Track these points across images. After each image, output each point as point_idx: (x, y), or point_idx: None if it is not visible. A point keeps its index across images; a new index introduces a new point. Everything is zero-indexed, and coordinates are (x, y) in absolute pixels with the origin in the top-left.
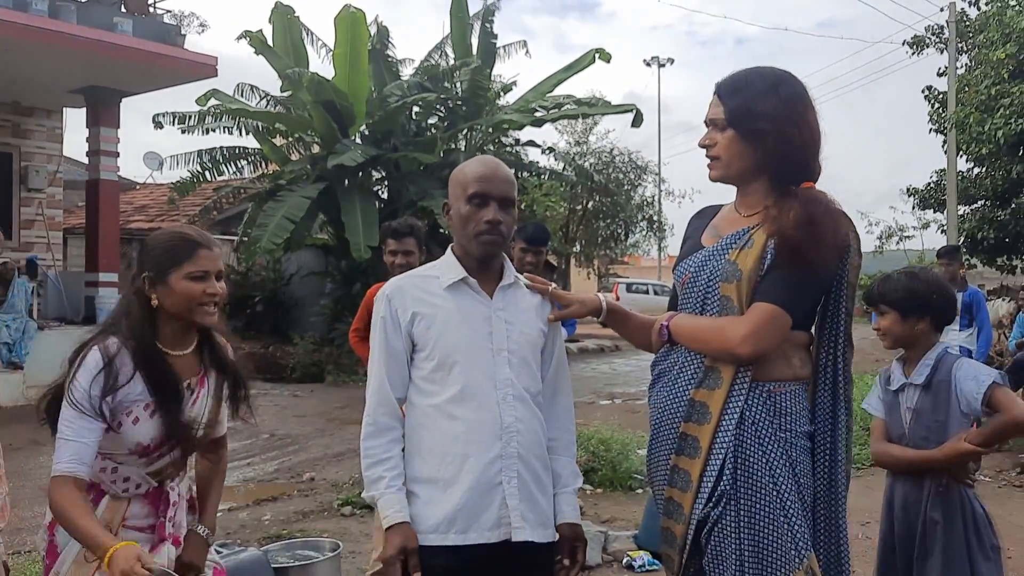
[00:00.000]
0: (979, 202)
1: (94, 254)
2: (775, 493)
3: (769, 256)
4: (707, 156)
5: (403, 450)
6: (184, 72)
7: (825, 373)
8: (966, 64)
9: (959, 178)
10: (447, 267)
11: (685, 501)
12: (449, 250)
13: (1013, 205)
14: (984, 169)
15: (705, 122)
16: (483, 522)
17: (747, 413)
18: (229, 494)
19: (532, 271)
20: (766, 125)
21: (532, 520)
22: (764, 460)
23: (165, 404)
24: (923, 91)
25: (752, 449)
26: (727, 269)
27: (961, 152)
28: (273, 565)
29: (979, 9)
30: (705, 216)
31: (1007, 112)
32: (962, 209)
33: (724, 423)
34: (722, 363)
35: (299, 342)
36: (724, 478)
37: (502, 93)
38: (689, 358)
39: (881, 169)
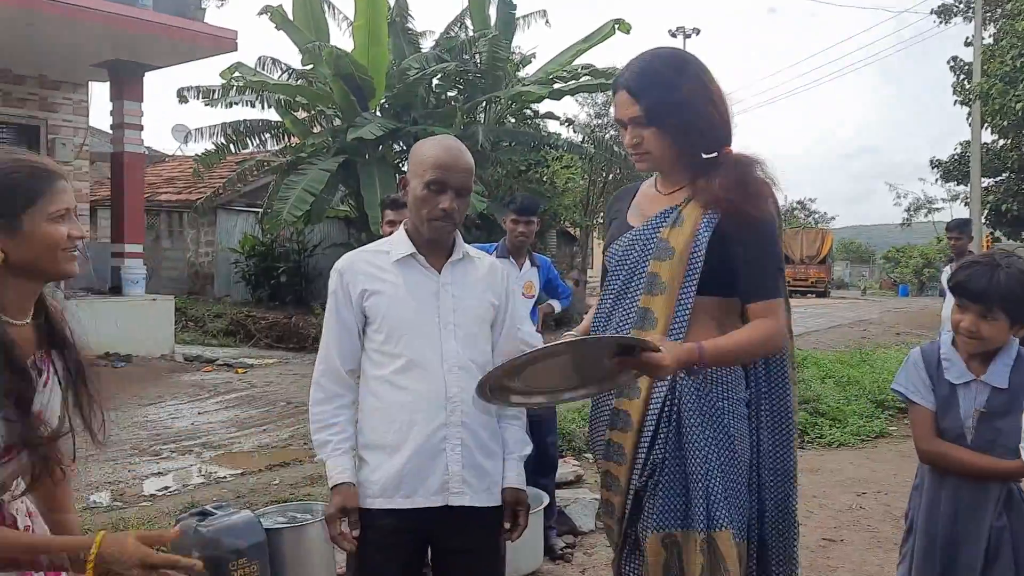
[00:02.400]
0: (1003, 174)
1: (119, 225)
2: (702, 462)
3: (702, 231)
4: (635, 153)
5: (354, 417)
6: (204, 46)
7: None
8: (993, 34)
9: (984, 150)
10: (398, 242)
11: (621, 473)
12: (401, 225)
13: None
14: (1009, 141)
15: (618, 121)
16: (428, 487)
17: (679, 385)
18: (243, 459)
19: (524, 241)
20: (687, 114)
21: (475, 485)
22: (695, 430)
23: (12, 389)
24: (948, 62)
25: (685, 420)
26: (659, 247)
27: (986, 124)
28: (265, 526)
29: None
30: (624, 198)
31: None
32: (986, 181)
33: (654, 396)
34: (647, 337)
35: (320, 312)
36: (656, 448)
37: (521, 65)
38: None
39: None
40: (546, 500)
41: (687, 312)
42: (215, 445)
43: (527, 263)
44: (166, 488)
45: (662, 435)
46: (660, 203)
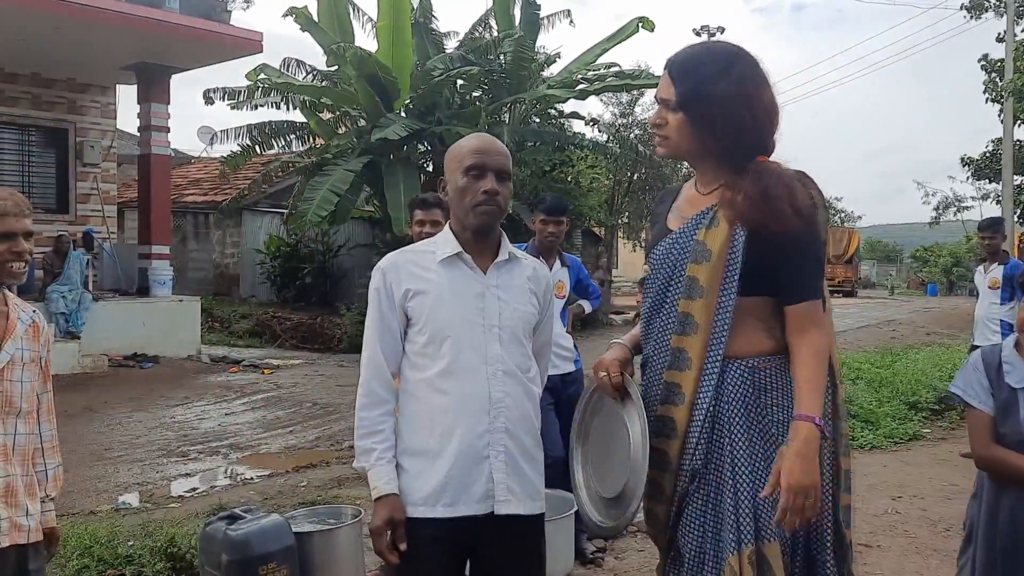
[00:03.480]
0: None
1: (147, 227)
2: (748, 472)
3: (739, 231)
4: (656, 135)
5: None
6: (230, 48)
7: None
8: None
9: (1016, 147)
10: (443, 242)
11: (665, 482)
12: (447, 226)
13: None
14: None
15: (656, 99)
16: (471, 494)
17: (727, 391)
18: (271, 460)
19: (554, 241)
20: (716, 110)
21: (519, 493)
22: (740, 440)
23: None
24: (979, 60)
25: (725, 429)
26: (696, 250)
27: (1018, 121)
28: (295, 530)
29: None
30: (666, 200)
31: None
32: (1018, 179)
33: (699, 403)
34: (688, 343)
35: (346, 313)
36: (696, 457)
37: (546, 64)
38: (661, 341)
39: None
40: (576, 506)
41: (728, 315)
42: (242, 446)
43: (557, 263)
44: (194, 489)
45: (703, 444)
46: (698, 204)
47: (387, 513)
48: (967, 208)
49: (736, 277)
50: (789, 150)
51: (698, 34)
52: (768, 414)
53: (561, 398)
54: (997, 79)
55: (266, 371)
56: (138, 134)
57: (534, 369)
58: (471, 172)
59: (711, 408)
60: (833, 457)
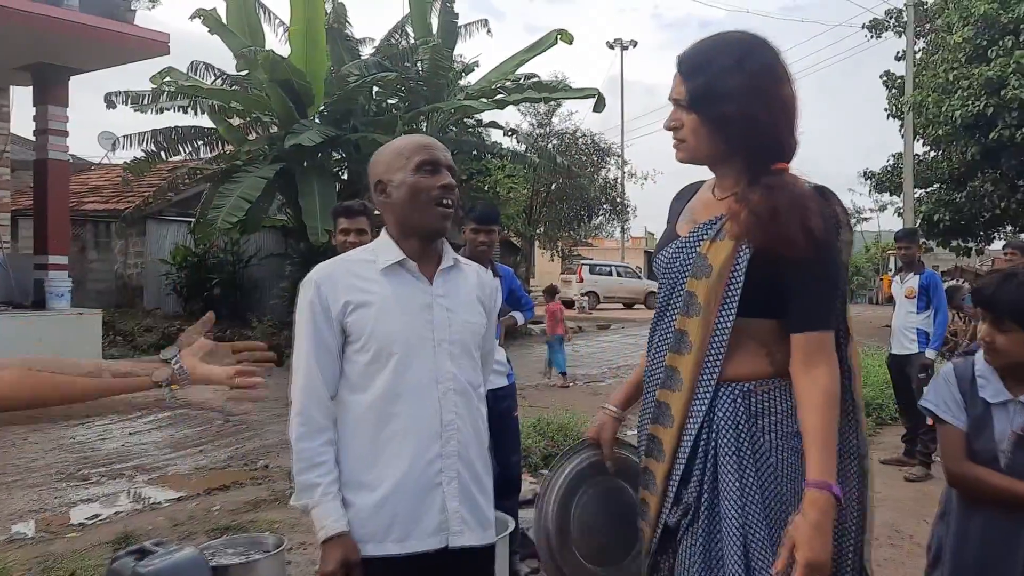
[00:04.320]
0: (935, 185)
1: (43, 236)
2: (737, 509)
3: (745, 248)
4: (673, 138)
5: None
6: (134, 49)
7: None
8: (923, 48)
9: (916, 161)
10: (383, 249)
11: (652, 502)
12: (383, 231)
13: (968, 188)
14: (940, 152)
15: (670, 99)
16: (423, 527)
17: (718, 417)
18: (180, 483)
19: (486, 251)
20: (731, 107)
21: (472, 522)
22: (731, 472)
23: None
24: (881, 76)
25: (724, 459)
26: (697, 263)
27: (918, 135)
28: (212, 563)
29: None
30: (684, 197)
31: (965, 95)
32: (918, 192)
33: (688, 427)
34: (681, 363)
35: (257, 325)
36: (690, 488)
37: (464, 73)
38: (657, 356)
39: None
40: (512, 525)
41: (724, 337)
42: (148, 468)
43: (489, 273)
44: (96, 516)
45: (696, 473)
46: (711, 210)
47: (341, 555)
48: (866, 219)
49: (737, 297)
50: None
51: (611, 47)
52: (762, 441)
53: (493, 414)
54: (898, 94)
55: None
56: (33, 138)
57: (483, 384)
58: (424, 168)
59: (699, 436)
60: (860, 500)
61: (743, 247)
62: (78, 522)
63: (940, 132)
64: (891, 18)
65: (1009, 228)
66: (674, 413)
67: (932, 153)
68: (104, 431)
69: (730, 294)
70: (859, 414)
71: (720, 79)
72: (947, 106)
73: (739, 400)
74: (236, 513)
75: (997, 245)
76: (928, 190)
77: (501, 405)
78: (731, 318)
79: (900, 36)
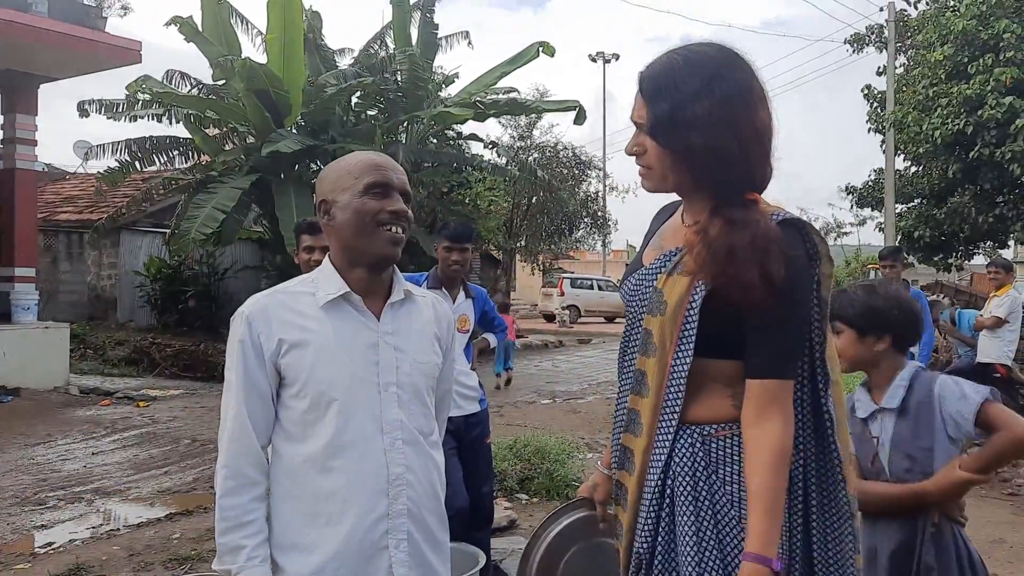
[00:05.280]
0: (916, 200)
1: (9, 248)
2: (694, 565)
3: (700, 285)
4: (637, 163)
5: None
6: (105, 57)
7: (801, 411)
8: (904, 64)
9: (897, 177)
10: (324, 280)
11: (621, 551)
12: (326, 259)
13: (949, 204)
14: (921, 168)
15: (632, 120)
16: None
17: (675, 462)
18: (141, 508)
19: (459, 271)
20: (697, 139)
21: None
22: (692, 526)
23: None
24: (862, 90)
25: (681, 509)
26: (653, 298)
27: (899, 151)
28: None
29: (916, 9)
30: (660, 218)
31: (944, 112)
32: (899, 207)
33: (648, 477)
34: (641, 405)
35: None
36: (644, 538)
37: (444, 85)
38: (622, 397)
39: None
40: (482, 560)
41: (681, 380)
42: (109, 491)
43: (461, 295)
44: (50, 544)
45: (651, 523)
46: (678, 238)
47: None
48: (846, 234)
49: (692, 337)
50: None
51: (593, 60)
52: (720, 491)
53: (464, 441)
54: (880, 109)
55: (141, 403)
56: (1, 147)
57: (437, 430)
58: (373, 190)
59: (659, 484)
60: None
61: (698, 284)
62: (30, 551)
63: (921, 149)
64: (872, 34)
65: (988, 244)
66: (636, 460)
67: (913, 169)
68: (66, 451)
69: (686, 334)
70: (846, 468)
71: (685, 106)
72: (927, 124)
73: (697, 445)
74: (198, 541)
75: (977, 261)
76: (909, 206)
77: (473, 432)
78: (687, 360)
79: (882, 52)
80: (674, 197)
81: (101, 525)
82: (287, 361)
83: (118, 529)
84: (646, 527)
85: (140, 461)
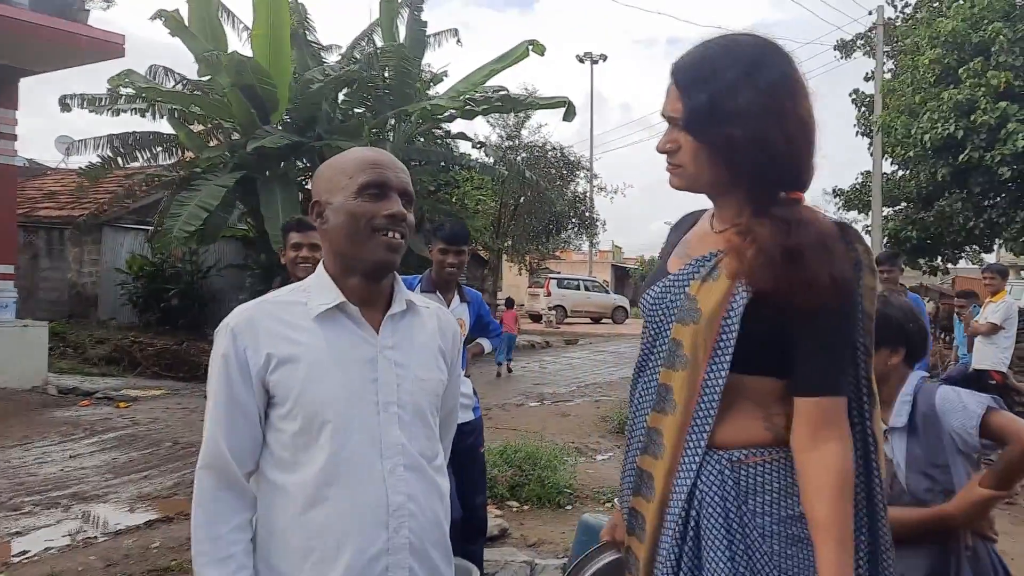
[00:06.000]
0: (902, 204)
1: None
2: None
3: (741, 292)
4: (668, 162)
5: (252, 541)
6: (87, 50)
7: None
8: (892, 69)
9: (884, 180)
10: (318, 289)
11: None
12: (320, 266)
13: (936, 207)
14: (909, 172)
15: (663, 116)
16: None
17: (700, 491)
18: (120, 514)
19: (454, 274)
20: (739, 130)
21: None
22: (717, 559)
23: None
24: (850, 95)
25: (710, 543)
26: (684, 306)
27: (886, 155)
28: None
29: (904, 15)
30: (682, 227)
31: (933, 116)
32: (886, 210)
33: (671, 506)
34: (664, 424)
35: (215, 339)
36: (664, 574)
37: (432, 83)
38: (638, 414)
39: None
40: (476, 574)
41: (715, 397)
42: (87, 496)
43: (456, 299)
44: (24, 553)
45: (674, 557)
46: (707, 244)
47: None
48: None
49: (730, 349)
50: (656, 180)
51: (581, 61)
52: (751, 524)
53: (457, 451)
54: (868, 113)
55: (121, 404)
56: None
57: (441, 454)
58: (369, 191)
59: (682, 514)
60: None
61: (739, 289)
62: (3, 560)
63: (910, 153)
64: (860, 39)
65: (975, 247)
66: (656, 485)
67: (901, 172)
68: (43, 453)
69: (722, 345)
70: (875, 500)
71: (726, 95)
72: (916, 128)
73: (726, 472)
74: (177, 551)
75: (963, 264)
76: (896, 208)
77: (467, 441)
78: (723, 374)
79: (869, 57)
80: (680, 197)
81: (78, 533)
82: (276, 378)
83: (95, 537)
84: (668, 562)
85: (119, 465)
